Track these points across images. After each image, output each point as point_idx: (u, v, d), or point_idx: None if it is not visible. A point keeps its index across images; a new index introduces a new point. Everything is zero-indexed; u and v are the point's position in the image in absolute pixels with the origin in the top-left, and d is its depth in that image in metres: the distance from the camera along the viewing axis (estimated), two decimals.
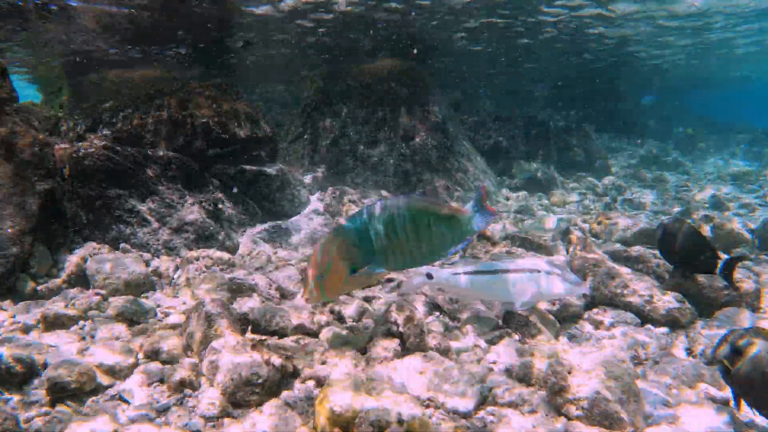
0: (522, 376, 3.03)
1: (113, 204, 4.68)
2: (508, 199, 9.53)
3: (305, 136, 8.51)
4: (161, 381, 2.95)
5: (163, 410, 2.69)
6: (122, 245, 4.55)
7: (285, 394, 2.80)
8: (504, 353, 3.32)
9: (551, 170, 10.49)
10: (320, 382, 2.86)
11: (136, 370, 3.00)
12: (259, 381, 2.70)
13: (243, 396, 2.69)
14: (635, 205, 8.46)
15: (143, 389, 2.87)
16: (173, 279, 4.34)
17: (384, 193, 7.13)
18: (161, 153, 5.18)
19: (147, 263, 4.47)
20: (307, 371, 2.92)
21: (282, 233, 5.67)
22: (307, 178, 7.41)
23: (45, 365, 2.99)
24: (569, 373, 2.72)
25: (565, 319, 3.90)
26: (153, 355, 3.12)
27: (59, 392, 2.70)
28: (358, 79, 8.36)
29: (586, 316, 3.96)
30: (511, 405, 2.79)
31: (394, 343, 3.05)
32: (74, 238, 4.55)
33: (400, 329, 3.08)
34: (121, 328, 3.38)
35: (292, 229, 5.81)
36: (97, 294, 3.79)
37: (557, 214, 8.36)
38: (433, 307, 4.03)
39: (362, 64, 8.79)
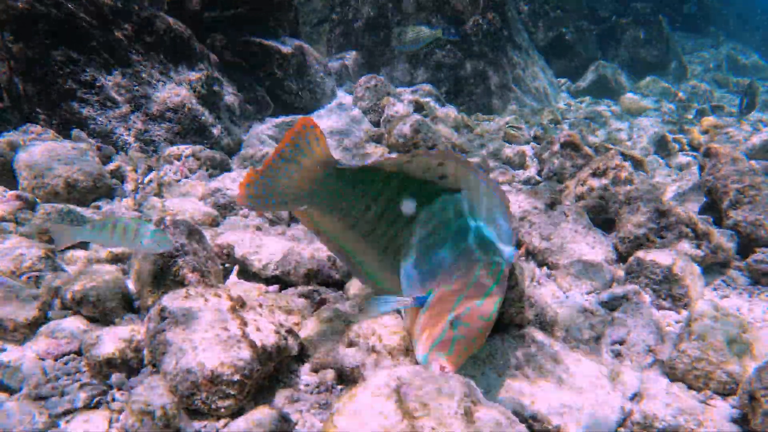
0: (681, 373, 1.79)
1: (63, 72, 3.36)
2: (569, 105, 8.01)
3: (333, 17, 6.98)
4: (78, 353, 1.76)
5: (70, 412, 1.52)
6: (75, 131, 3.28)
7: (282, 395, 1.60)
8: (636, 328, 2.07)
9: (619, 72, 8.84)
10: (344, 376, 1.65)
11: (40, 330, 1.81)
12: (235, 377, 1.49)
13: (206, 399, 1.49)
14: (728, 114, 6.90)
15: (43, 366, 1.68)
16: (142, 185, 3.09)
17: (427, 88, 5.70)
18: (136, 7, 3.78)
19: (107, 158, 3.21)
20: (322, 354, 1.70)
21: None
22: (333, 65, 5.98)
23: None
24: None
25: (709, 268, 2.60)
26: (75, 305, 1.91)
27: None
28: None
29: (738, 263, 2.66)
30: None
31: None
32: (8, 116, 3.28)
33: None
34: (37, 252, 2.15)
35: None
36: (18, 198, 2.56)
37: (634, 122, 6.87)
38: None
39: None
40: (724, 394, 1.75)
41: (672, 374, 1.82)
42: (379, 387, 1.13)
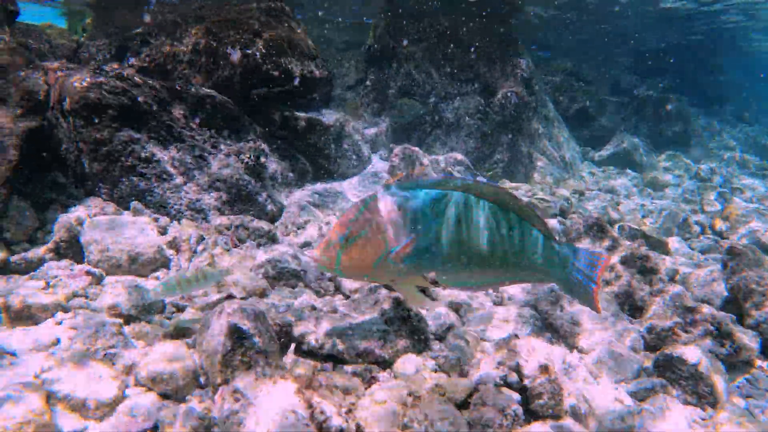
0: None
1: (125, 150, 3.64)
2: (592, 174, 8.22)
3: (366, 83, 7.33)
4: (154, 429, 1.93)
5: None
6: (134, 204, 3.53)
7: None
8: (665, 424, 2.20)
9: (641, 144, 9.07)
10: None
11: (119, 408, 1.99)
12: None
13: None
14: (747, 198, 7.04)
15: None
16: (195, 253, 3.31)
17: (459, 156, 5.95)
18: (192, 90, 4.10)
19: (163, 230, 3.45)
20: None
21: (336, 197, 4.58)
22: (369, 132, 6.27)
23: None
24: None
25: (732, 366, 2.72)
26: (149, 382, 2.10)
27: None
28: (433, 22, 7.08)
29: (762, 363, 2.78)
30: None
31: (512, 403, 1.95)
32: (74, 192, 3.55)
33: (525, 382, 1.98)
34: (110, 329, 2.35)
35: (347, 192, 4.72)
36: (87, 273, 2.79)
37: (656, 198, 7.05)
38: (544, 325, 2.91)
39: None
40: None
41: None
42: None
